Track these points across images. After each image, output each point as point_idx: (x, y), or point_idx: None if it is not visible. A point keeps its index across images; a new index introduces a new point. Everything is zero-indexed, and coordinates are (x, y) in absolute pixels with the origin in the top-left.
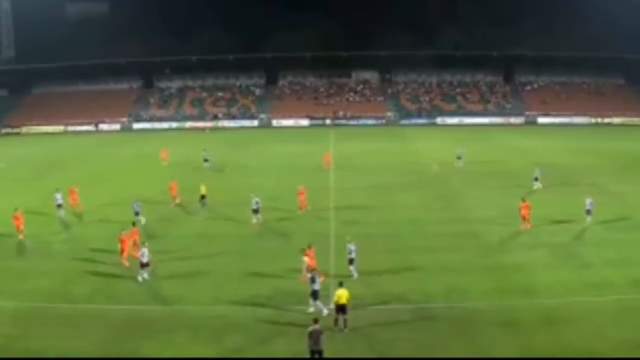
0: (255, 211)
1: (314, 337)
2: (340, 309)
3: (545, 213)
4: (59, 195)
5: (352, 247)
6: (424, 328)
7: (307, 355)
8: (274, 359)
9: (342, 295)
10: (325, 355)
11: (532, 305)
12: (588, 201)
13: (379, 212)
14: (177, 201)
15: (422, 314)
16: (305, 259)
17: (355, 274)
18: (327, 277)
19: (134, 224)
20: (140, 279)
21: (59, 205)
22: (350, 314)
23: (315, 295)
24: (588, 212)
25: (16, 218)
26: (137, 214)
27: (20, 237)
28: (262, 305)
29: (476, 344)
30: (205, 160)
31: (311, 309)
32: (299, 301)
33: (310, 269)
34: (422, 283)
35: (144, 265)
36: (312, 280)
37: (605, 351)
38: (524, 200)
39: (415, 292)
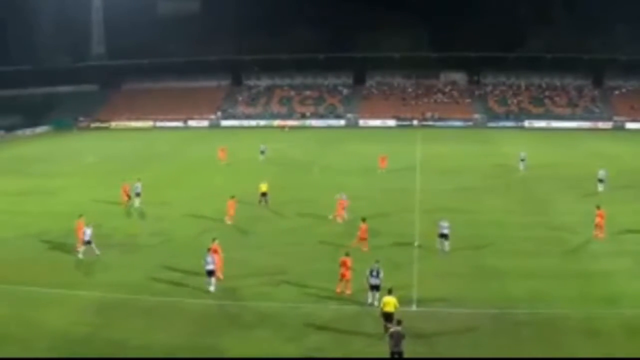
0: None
1: (395, 338)
2: (387, 316)
3: (632, 220)
4: (139, 185)
5: (444, 224)
6: (506, 333)
7: (388, 356)
8: (355, 359)
9: (389, 302)
10: (406, 356)
11: (616, 315)
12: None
13: (464, 214)
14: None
15: (504, 318)
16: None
17: (447, 248)
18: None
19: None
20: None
21: (138, 194)
22: (433, 316)
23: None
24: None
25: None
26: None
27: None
28: (346, 303)
29: (558, 351)
30: (262, 152)
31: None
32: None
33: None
34: (505, 287)
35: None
36: None
37: None
38: (598, 208)
39: (497, 297)
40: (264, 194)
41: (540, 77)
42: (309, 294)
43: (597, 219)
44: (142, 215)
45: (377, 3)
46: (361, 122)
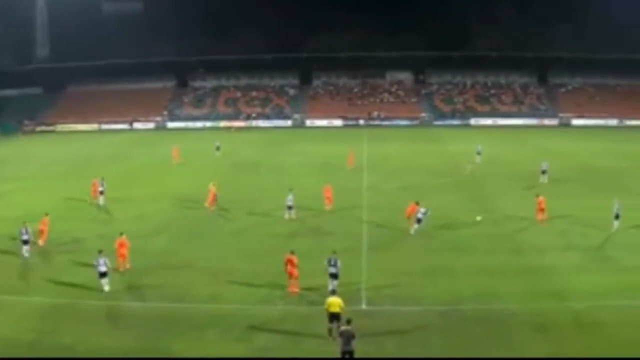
0: (290, 207)
1: (345, 337)
2: (333, 317)
3: (579, 215)
4: (103, 183)
5: (422, 209)
6: (456, 330)
7: (339, 356)
8: (305, 359)
9: (333, 303)
10: (356, 356)
11: (564, 309)
12: (616, 205)
13: None
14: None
15: (454, 315)
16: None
17: (412, 231)
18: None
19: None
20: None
21: (102, 192)
22: (382, 315)
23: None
24: (617, 216)
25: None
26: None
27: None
28: (294, 304)
29: (507, 346)
30: (217, 149)
31: None
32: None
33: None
34: (454, 284)
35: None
36: None
37: (638, 357)
38: (537, 196)
39: (447, 294)
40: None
41: (485, 76)
42: (258, 294)
43: (538, 206)
44: (98, 215)
45: (323, 3)
46: (308, 123)
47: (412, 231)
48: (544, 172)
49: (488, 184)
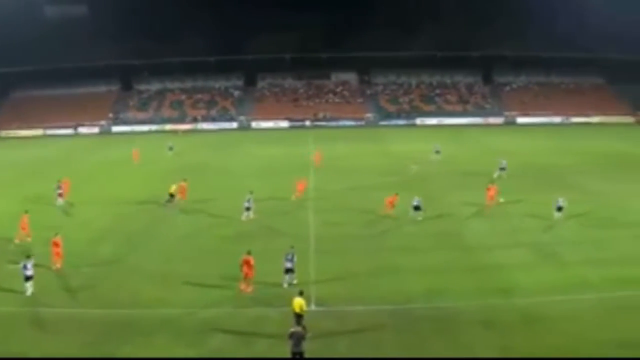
0: (247, 209)
1: (295, 338)
2: (297, 317)
3: (525, 212)
4: (60, 185)
5: (417, 198)
6: (406, 329)
7: (290, 357)
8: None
9: (294, 303)
10: (307, 356)
11: (511, 305)
12: (560, 199)
13: (359, 213)
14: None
15: (404, 314)
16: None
17: (419, 218)
18: (308, 276)
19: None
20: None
21: (60, 195)
22: (332, 315)
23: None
24: (559, 209)
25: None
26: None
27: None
28: (245, 306)
29: (457, 343)
30: (170, 149)
31: None
32: (280, 303)
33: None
34: (403, 284)
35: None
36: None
37: (585, 350)
38: (492, 183)
39: (396, 293)
40: (172, 195)
41: (430, 76)
42: (208, 297)
43: (490, 192)
44: (53, 218)
45: (267, 5)
46: (254, 124)
47: (419, 217)
48: (502, 169)
49: (435, 183)
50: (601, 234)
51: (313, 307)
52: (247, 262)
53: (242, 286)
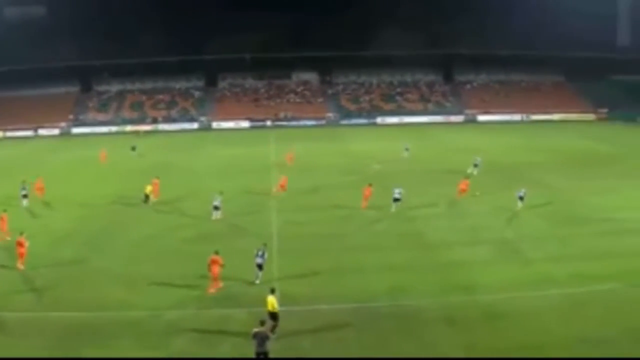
0: (216, 208)
1: (259, 339)
2: (269, 315)
3: (487, 210)
4: (25, 186)
5: (397, 190)
6: (369, 327)
7: (254, 357)
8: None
9: (268, 302)
10: (271, 356)
11: (474, 302)
12: (523, 190)
13: (321, 212)
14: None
15: (367, 313)
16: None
17: (393, 209)
18: (271, 276)
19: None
20: None
21: (25, 196)
22: (296, 314)
23: None
24: (521, 198)
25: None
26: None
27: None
28: (209, 307)
29: (421, 341)
30: (133, 149)
31: None
32: (245, 303)
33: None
34: (366, 282)
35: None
36: None
37: (548, 346)
38: (466, 177)
39: (359, 291)
40: (147, 196)
41: (391, 75)
42: (172, 298)
43: (462, 186)
44: (18, 219)
45: (228, 4)
46: (214, 125)
47: (393, 209)
48: (476, 165)
49: (396, 181)
50: (564, 231)
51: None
52: (214, 262)
53: (211, 288)
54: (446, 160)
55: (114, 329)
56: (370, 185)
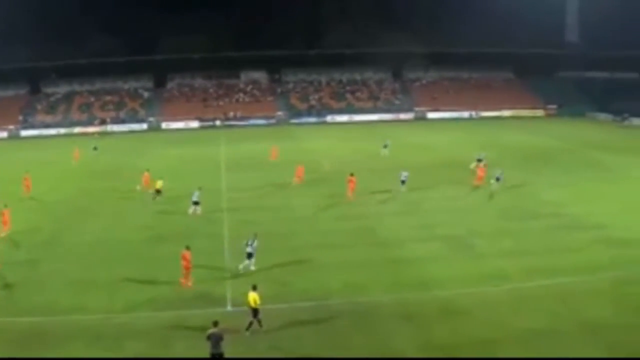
0: (196, 203)
1: (213, 340)
2: (252, 311)
3: (440, 206)
4: None
5: (404, 173)
6: (325, 325)
7: (208, 358)
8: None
9: (250, 298)
10: (226, 357)
11: (429, 298)
12: (499, 171)
13: (273, 211)
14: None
15: (323, 311)
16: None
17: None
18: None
19: None
20: None
21: None
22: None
23: None
24: (497, 179)
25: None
26: None
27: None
28: (161, 309)
29: (377, 338)
30: (95, 149)
31: None
32: (197, 304)
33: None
34: (320, 280)
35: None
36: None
37: (502, 340)
38: (352, 175)
39: (314, 290)
40: (158, 191)
41: (340, 73)
42: (124, 301)
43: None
44: None
45: (175, 4)
46: (164, 125)
47: (403, 189)
48: (479, 160)
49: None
50: (515, 226)
51: (229, 308)
52: (184, 257)
53: (183, 281)
54: (396, 157)
55: (66, 334)
56: (352, 175)
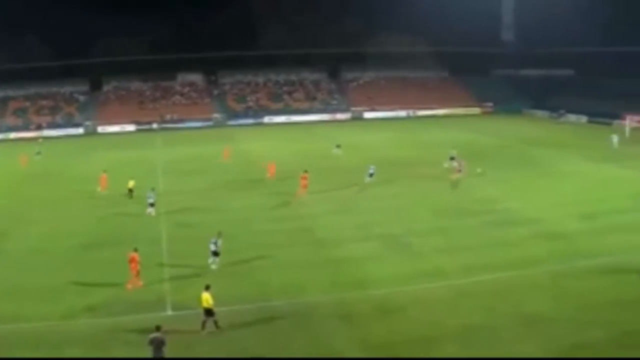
0: (151, 204)
1: (155, 344)
2: (205, 311)
3: (375, 206)
4: None
5: (372, 166)
6: (266, 326)
7: None
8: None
9: (203, 299)
10: None
11: (366, 297)
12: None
13: (211, 213)
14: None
15: (263, 312)
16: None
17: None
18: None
19: None
20: None
21: None
22: (191, 318)
23: None
24: (371, 175)
25: None
26: None
27: None
28: (101, 315)
29: (317, 338)
30: (38, 153)
31: None
32: (137, 309)
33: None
34: (260, 282)
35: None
36: None
37: (440, 337)
38: (305, 172)
39: (254, 291)
40: (130, 190)
41: (277, 73)
42: (62, 309)
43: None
44: None
45: (110, 7)
46: (100, 129)
47: (366, 180)
48: (452, 158)
49: (285, 180)
50: (450, 223)
51: (169, 312)
52: (132, 259)
53: (130, 284)
54: (332, 157)
55: (3, 342)
56: (306, 172)
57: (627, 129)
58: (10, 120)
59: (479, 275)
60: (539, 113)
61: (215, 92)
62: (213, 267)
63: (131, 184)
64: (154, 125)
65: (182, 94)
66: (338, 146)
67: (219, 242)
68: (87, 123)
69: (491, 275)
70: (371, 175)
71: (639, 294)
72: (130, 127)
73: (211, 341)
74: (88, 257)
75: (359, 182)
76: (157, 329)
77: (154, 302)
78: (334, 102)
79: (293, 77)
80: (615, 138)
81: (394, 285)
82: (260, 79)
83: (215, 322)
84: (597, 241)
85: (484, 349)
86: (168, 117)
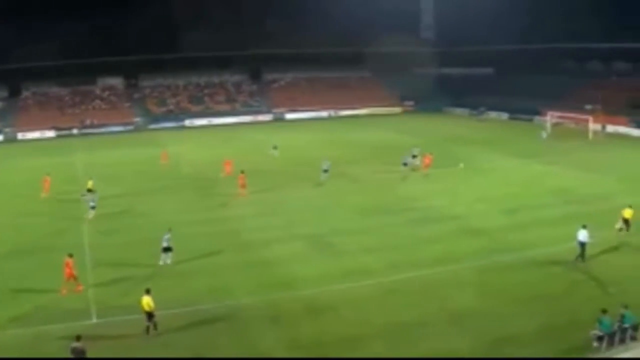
0: (93, 207)
1: (76, 354)
2: (146, 315)
3: (299, 206)
4: None
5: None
6: (194, 330)
7: None
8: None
9: (143, 302)
10: None
11: (294, 298)
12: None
13: (135, 218)
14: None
15: (192, 316)
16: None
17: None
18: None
19: None
20: None
21: None
22: (117, 325)
23: None
24: (325, 171)
25: None
26: None
27: None
28: (23, 326)
29: (246, 340)
30: None
31: None
32: (61, 318)
33: (69, 279)
34: (187, 286)
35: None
36: None
37: (369, 336)
38: (242, 172)
39: (180, 296)
40: (90, 190)
41: (198, 76)
42: None
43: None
44: None
45: (27, 12)
46: (20, 136)
47: (321, 177)
48: (414, 156)
49: (207, 183)
50: (373, 222)
51: (95, 320)
52: (67, 265)
53: (64, 290)
54: (255, 159)
55: None
56: (242, 172)
57: (548, 125)
58: None
59: (405, 273)
60: (459, 110)
61: (136, 95)
62: (168, 261)
63: (90, 184)
64: (74, 131)
65: (102, 99)
66: (275, 147)
67: (168, 236)
68: (7, 130)
69: (417, 272)
70: (326, 171)
71: (562, 287)
72: (50, 133)
73: (143, 346)
74: (10, 266)
75: (285, 184)
76: (78, 338)
77: (78, 310)
78: (256, 103)
79: (214, 80)
80: (544, 134)
81: (321, 285)
82: (181, 82)
83: (155, 324)
84: (521, 236)
85: (412, 346)
86: (88, 122)
